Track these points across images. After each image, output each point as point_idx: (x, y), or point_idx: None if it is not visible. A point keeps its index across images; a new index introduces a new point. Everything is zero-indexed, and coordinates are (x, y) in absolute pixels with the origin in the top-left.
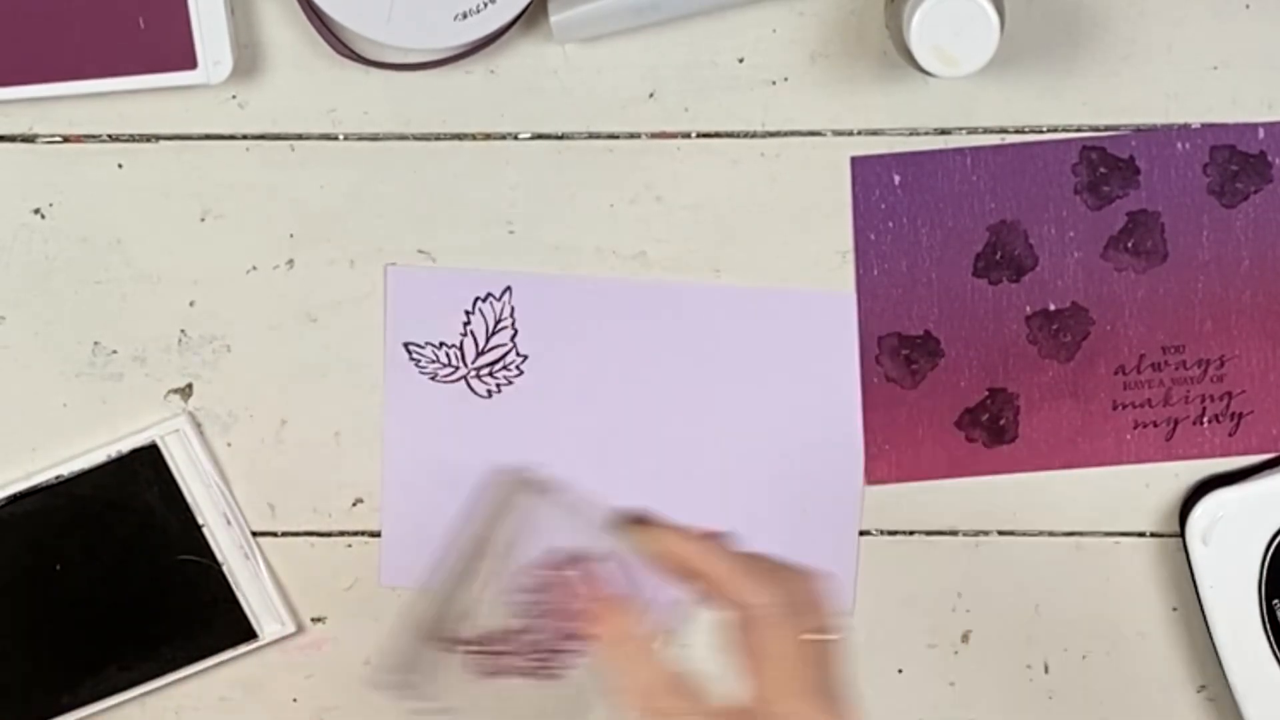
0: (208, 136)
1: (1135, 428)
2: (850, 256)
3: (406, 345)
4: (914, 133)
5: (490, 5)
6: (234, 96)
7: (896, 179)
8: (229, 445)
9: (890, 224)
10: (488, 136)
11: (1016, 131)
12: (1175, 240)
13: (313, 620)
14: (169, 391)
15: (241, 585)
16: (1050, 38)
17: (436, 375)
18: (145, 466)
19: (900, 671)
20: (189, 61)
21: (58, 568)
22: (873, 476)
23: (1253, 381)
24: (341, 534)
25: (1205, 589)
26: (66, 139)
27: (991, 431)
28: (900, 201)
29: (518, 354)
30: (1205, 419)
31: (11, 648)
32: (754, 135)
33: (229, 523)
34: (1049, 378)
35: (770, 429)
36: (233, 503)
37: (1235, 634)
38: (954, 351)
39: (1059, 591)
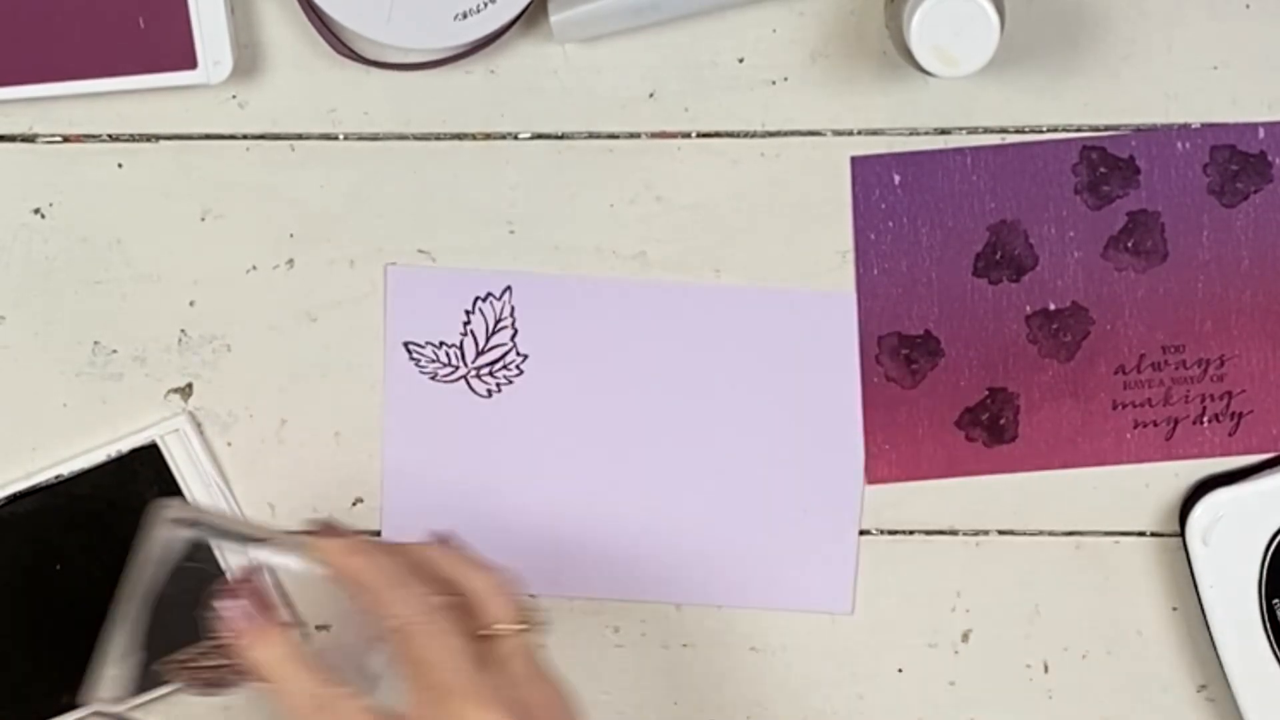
0: (208, 136)
1: (1135, 427)
2: (850, 256)
3: (406, 345)
4: (914, 133)
5: (490, 5)
6: (234, 96)
7: (896, 179)
8: (229, 445)
9: (890, 224)
10: (488, 136)
11: (1016, 131)
12: (1175, 240)
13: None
14: (169, 391)
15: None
16: (1050, 38)
17: (436, 375)
18: (145, 466)
19: (900, 671)
20: (189, 61)
21: (58, 568)
22: (873, 476)
23: (1253, 381)
24: None
25: (1205, 589)
26: (66, 139)
27: (991, 431)
28: (900, 201)
29: (518, 354)
30: (1205, 419)
31: (11, 648)
32: (754, 135)
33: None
34: (1049, 377)
35: (770, 429)
36: (233, 503)
37: (1235, 634)
38: (954, 351)
39: (1059, 591)
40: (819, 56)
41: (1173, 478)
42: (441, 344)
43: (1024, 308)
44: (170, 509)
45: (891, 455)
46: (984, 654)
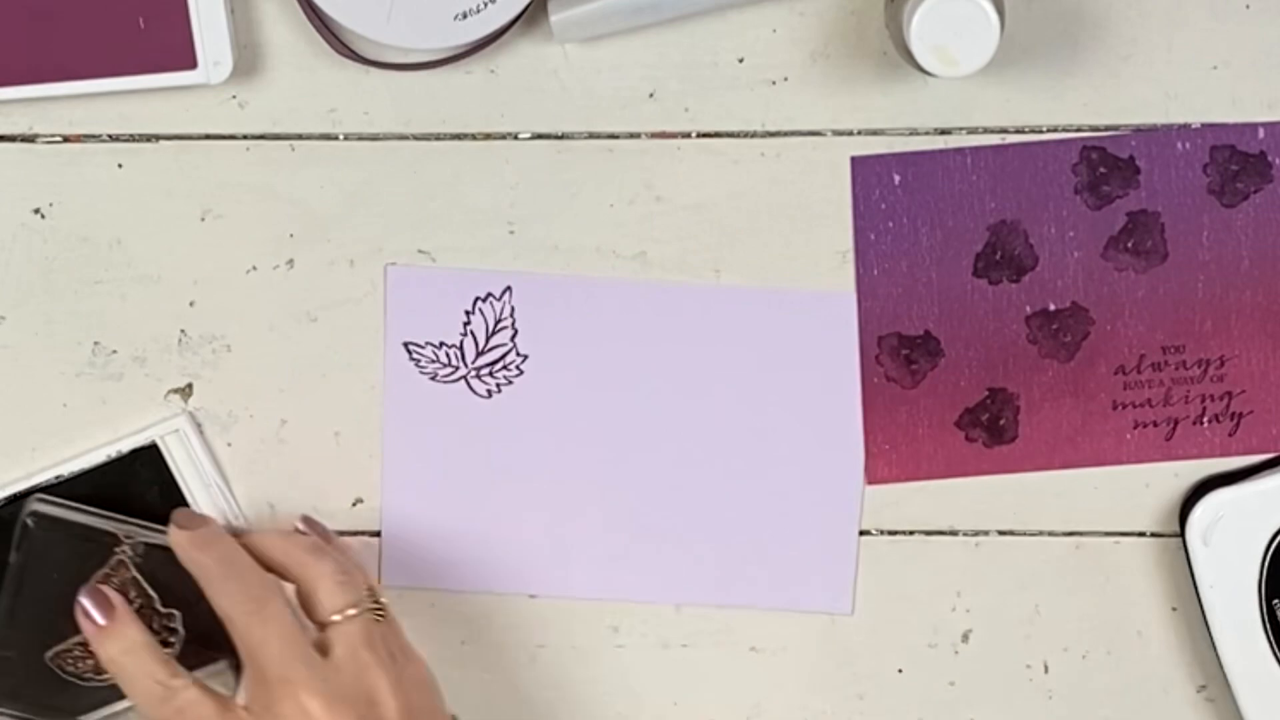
0: (208, 136)
1: (1135, 428)
2: (850, 256)
3: (406, 345)
4: (914, 133)
5: (490, 5)
6: (234, 96)
7: (896, 179)
8: (229, 445)
9: (890, 224)
10: (488, 136)
11: (1016, 131)
12: (1175, 240)
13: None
14: (169, 391)
15: None
16: (1050, 38)
17: (436, 375)
18: (145, 466)
19: (900, 671)
20: (189, 61)
21: None
22: (873, 476)
23: (1253, 381)
24: (341, 534)
25: (1205, 589)
26: (66, 139)
27: (991, 431)
28: (900, 201)
29: (518, 354)
30: (1205, 419)
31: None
32: (754, 135)
33: (229, 523)
34: (1049, 378)
35: (770, 429)
36: (233, 503)
37: (1235, 634)
38: (954, 351)
39: (1059, 591)
40: (819, 56)
41: (1173, 478)
42: (441, 344)
43: (1024, 308)
44: (34, 505)
45: (891, 455)
46: (984, 654)
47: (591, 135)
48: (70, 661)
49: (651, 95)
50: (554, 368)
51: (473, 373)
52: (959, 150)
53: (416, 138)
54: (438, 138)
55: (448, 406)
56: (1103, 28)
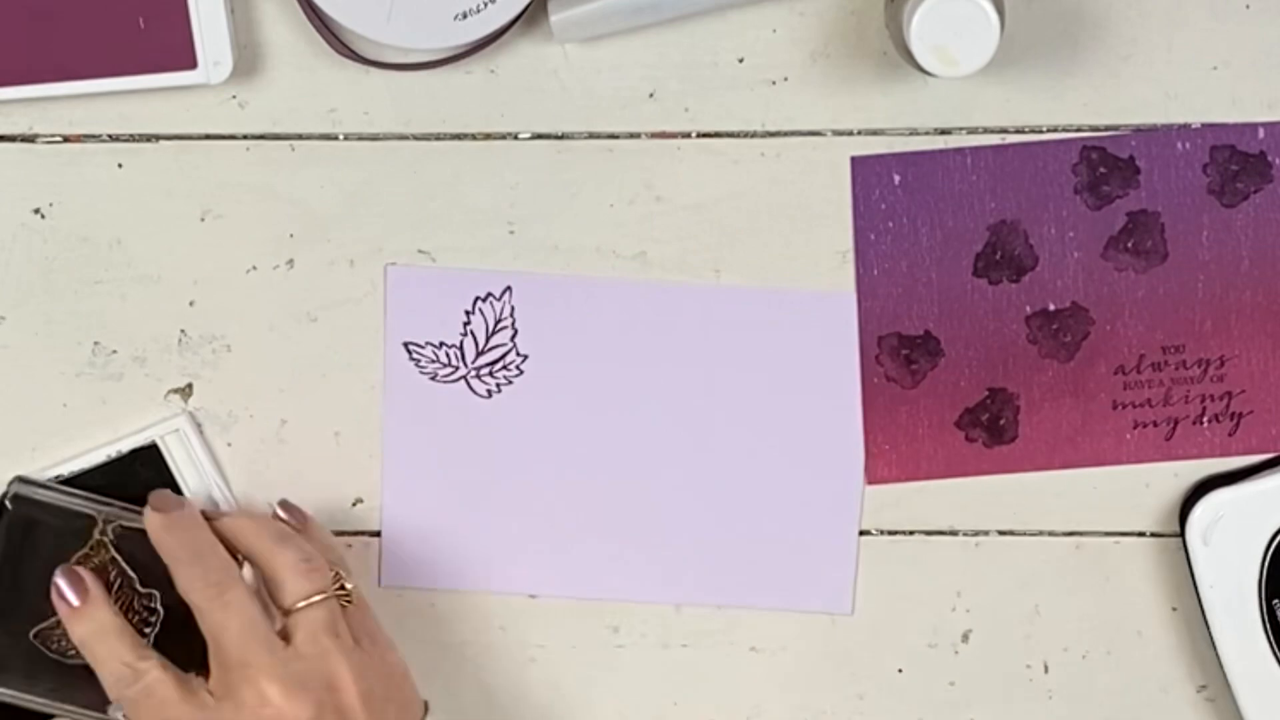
0: (208, 136)
1: (1135, 428)
2: (850, 256)
3: (406, 345)
4: (914, 133)
5: (490, 5)
6: (234, 96)
7: (896, 179)
8: (229, 445)
9: (890, 224)
10: (488, 136)
11: (1016, 131)
12: (1175, 240)
13: None
14: (169, 391)
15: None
16: (1050, 38)
17: (436, 375)
18: (145, 466)
19: (900, 671)
20: (189, 61)
21: None
22: (873, 476)
23: (1253, 381)
24: (341, 534)
25: (1205, 589)
26: (66, 139)
27: (991, 431)
28: (900, 201)
29: (518, 354)
30: (1205, 419)
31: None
32: (754, 135)
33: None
34: (1049, 378)
35: (771, 429)
36: (233, 503)
37: (1235, 634)
38: (954, 351)
39: (1059, 591)
40: (819, 56)
41: (1173, 478)
42: (441, 344)
43: (1024, 308)
44: (15, 487)
45: (891, 455)
46: (984, 654)
47: (591, 135)
48: (54, 640)
49: (651, 95)
50: (554, 368)
51: (473, 373)
52: (959, 150)
53: (416, 138)
54: (438, 138)
55: (448, 406)
56: (1103, 28)
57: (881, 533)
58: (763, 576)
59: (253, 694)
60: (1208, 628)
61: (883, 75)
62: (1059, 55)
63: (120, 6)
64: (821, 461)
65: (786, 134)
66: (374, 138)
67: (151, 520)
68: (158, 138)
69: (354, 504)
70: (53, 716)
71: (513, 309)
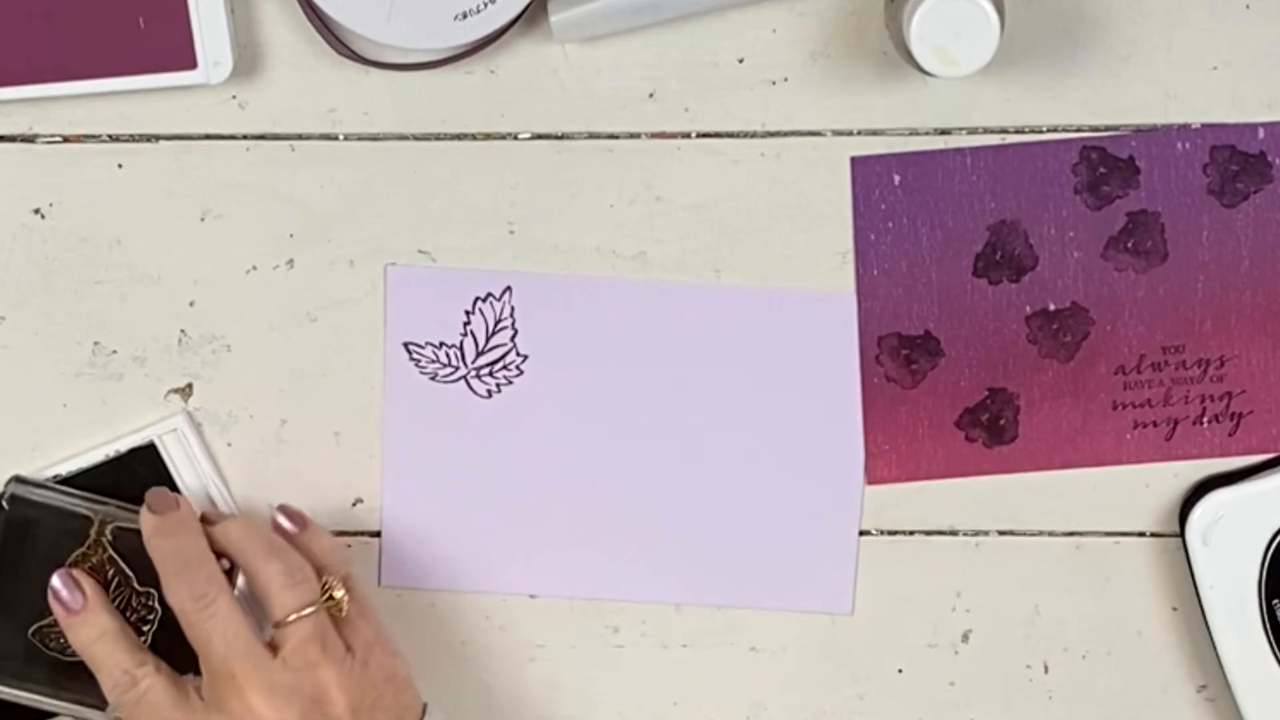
0: (208, 136)
1: (1135, 428)
2: (850, 256)
3: (406, 345)
4: (914, 133)
5: (490, 5)
6: (234, 96)
7: (896, 179)
8: (229, 445)
9: (890, 224)
10: (488, 136)
11: (1016, 131)
12: (1175, 240)
13: None
14: (169, 391)
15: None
16: (1050, 38)
17: (436, 375)
18: (145, 466)
19: (900, 671)
20: (189, 61)
21: None
22: (873, 476)
23: (1253, 381)
24: (341, 534)
25: (1205, 589)
26: (66, 139)
27: (991, 431)
28: (900, 201)
29: (518, 354)
30: (1205, 419)
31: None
32: (754, 135)
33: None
34: (1049, 378)
35: (771, 429)
36: (231, 503)
37: (1235, 634)
38: (954, 351)
39: (1059, 591)
40: (819, 56)
41: (1173, 478)
42: (441, 344)
43: (1024, 308)
44: (12, 487)
45: (891, 455)
46: (984, 654)
47: (591, 135)
48: (52, 638)
49: (651, 95)
50: (554, 368)
51: (473, 373)
52: (959, 150)
53: (416, 138)
54: (438, 138)
55: (448, 406)
56: (1103, 28)
57: (881, 533)
58: (763, 576)
59: (239, 705)
60: (1208, 628)
61: (883, 75)
62: (1059, 55)
63: (120, 6)
64: (821, 461)
65: (786, 134)
66: (374, 138)
67: (146, 522)
68: (158, 138)
69: (354, 504)
70: (52, 714)
71: (513, 309)
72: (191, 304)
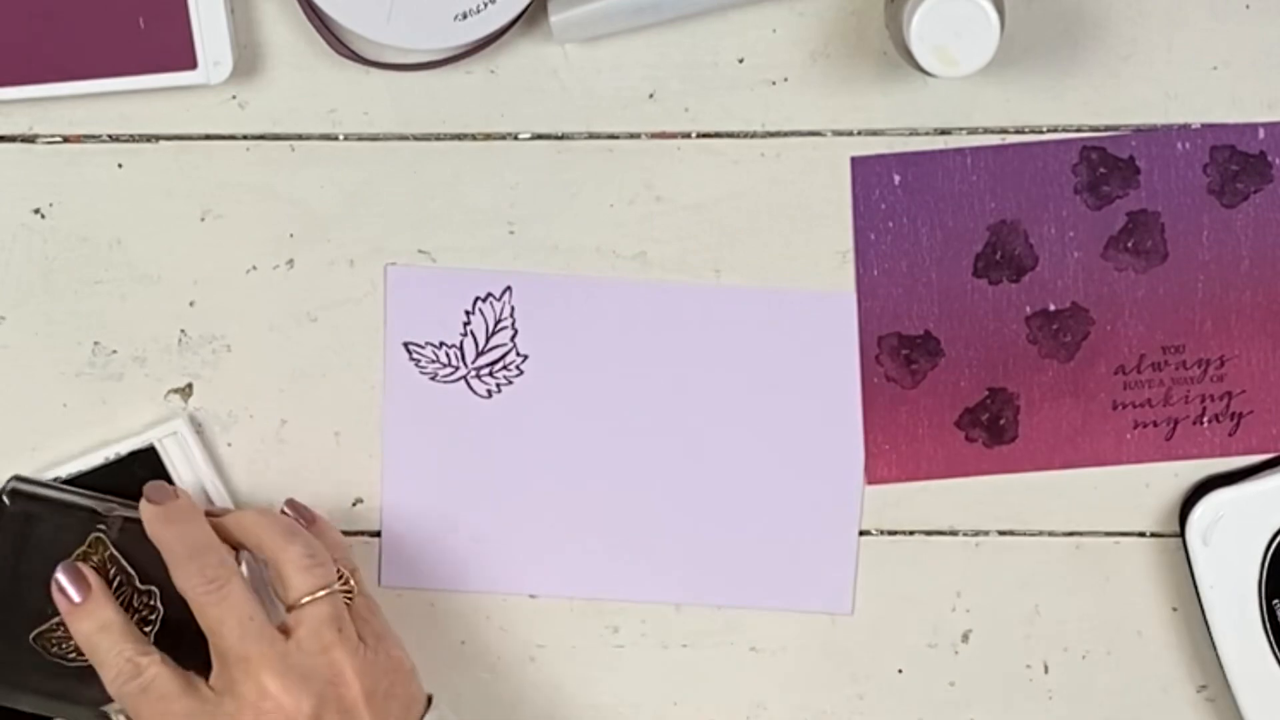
0: (208, 136)
1: (1135, 427)
2: (850, 256)
3: (406, 345)
4: (914, 133)
5: (490, 5)
6: (234, 96)
7: (896, 179)
8: (229, 445)
9: (890, 224)
10: (488, 136)
11: (1016, 131)
12: (1175, 240)
13: None
14: (169, 391)
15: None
16: (1050, 38)
17: (436, 375)
18: (145, 467)
19: (900, 671)
20: (189, 61)
21: None
22: (873, 476)
23: (1253, 381)
24: (341, 534)
25: (1205, 589)
26: (66, 139)
27: (991, 431)
28: (900, 201)
29: (518, 354)
30: (1205, 419)
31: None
32: (754, 135)
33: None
34: (1049, 378)
35: (771, 429)
36: (232, 505)
37: (1235, 634)
38: (954, 351)
39: (1059, 591)
40: (819, 56)
41: (1173, 478)
42: (441, 344)
43: (1024, 308)
44: (12, 484)
45: (891, 455)
46: (984, 654)
47: (591, 135)
48: (54, 643)
49: (651, 95)
50: (554, 368)
51: (473, 373)
52: (959, 150)
53: (416, 138)
54: (438, 138)
55: (448, 406)
56: (1103, 28)
57: (881, 533)
58: (763, 576)
59: (252, 687)
60: (1208, 628)
61: (883, 75)
62: (1059, 55)
63: (120, 6)
64: (821, 461)
65: (786, 134)
66: (374, 138)
67: (147, 512)
68: (158, 138)
69: (354, 504)
70: None
71: (513, 309)
72: (191, 304)
